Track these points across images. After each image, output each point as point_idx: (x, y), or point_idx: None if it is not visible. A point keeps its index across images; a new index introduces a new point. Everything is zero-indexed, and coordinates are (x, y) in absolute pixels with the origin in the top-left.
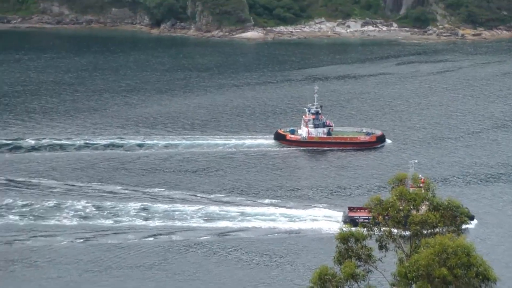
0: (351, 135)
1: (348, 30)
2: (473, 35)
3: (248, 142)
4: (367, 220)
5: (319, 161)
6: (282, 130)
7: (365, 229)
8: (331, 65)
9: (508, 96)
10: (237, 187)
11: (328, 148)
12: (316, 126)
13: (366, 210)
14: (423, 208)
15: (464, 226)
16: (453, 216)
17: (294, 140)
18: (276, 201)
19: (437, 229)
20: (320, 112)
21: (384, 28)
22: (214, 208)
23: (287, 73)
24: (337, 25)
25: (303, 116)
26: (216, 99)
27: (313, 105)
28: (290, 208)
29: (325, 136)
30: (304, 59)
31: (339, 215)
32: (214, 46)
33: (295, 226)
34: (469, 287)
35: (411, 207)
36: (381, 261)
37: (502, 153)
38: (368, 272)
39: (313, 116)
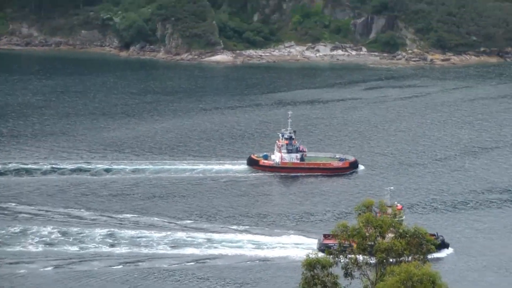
0: (324, 160)
1: (317, 54)
2: (442, 60)
3: (220, 167)
4: (343, 248)
5: (292, 187)
6: (255, 155)
7: (331, 256)
8: (300, 89)
9: (475, 122)
10: (207, 213)
11: (301, 174)
12: (289, 151)
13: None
14: (389, 235)
15: (438, 255)
16: (419, 244)
17: (267, 166)
18: (247, 227)
19: (403, 257)
20: (293, 137)
21: (354, 53)
22: (181, 235)
23: (256, 97)
24: (307, 49)
25: (276, 141)
26: (185, 123)
27: (286, 130)
28: (261, 235)
29: (298, 161)
30: (274, 83)
31: (312, 242)
32: (183, 69)
33: (266, 253)
34: None
35: (378, 234)
36: None
37: (471, 179)
38: None
39: (287, 141)
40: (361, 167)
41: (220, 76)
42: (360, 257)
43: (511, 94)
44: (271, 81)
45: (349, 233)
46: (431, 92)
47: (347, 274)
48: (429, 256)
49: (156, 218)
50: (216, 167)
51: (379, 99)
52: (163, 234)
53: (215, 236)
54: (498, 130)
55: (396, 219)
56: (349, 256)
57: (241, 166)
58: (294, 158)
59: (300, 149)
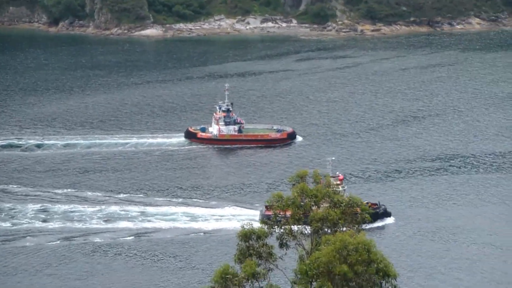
0: (262, 132)
1: (247, 27)
2: (372, 30)
3: (156, 140)
4: (284, 219)
5: (230, 159)
6: (193, 128)
7: (266, 226)
8: (232, 62)
9: (407, 91)
10: (142, 187)
11: (239, 146)
12: (227, 123)
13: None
14: (324, 205)
15: (381, 223)
16: (354, 213)
17: (205, 138)
18: (187, 200)
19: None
20: (231, 109)
21: (284, 25)
22: (115, 208)
23: (188, 70)
24: (237, 22)
25: (214, 114)
26: (116, 98)
27: (223, 102)
28: (199, 207)
29: (236, 133)
30: (205, 57)
31: (254, 213)
32: (113, 44)
33: (203, 226)
34: (370, 284)
35: (312, 204)
36: (282, 259)
37: (405, 148)
38: (269, 270)
39: (224, 114)
40: (298, 138)
41: (150, 50)
42: (295, 227)
43: (442, 63)
44: (202, 54)
45: (284, 203)
46: (362, 62)
47: (282, 245)
48: (371, 226)
49: (89, 193)
50: (152, 141)
51: (311, 70)
52: (97, 208)
53: (150, 209)
54: (429, 99)
55: (331, 188)
56: (284, 226)
57: (179, 139)
58: (232, 130)
59: (238, 121)
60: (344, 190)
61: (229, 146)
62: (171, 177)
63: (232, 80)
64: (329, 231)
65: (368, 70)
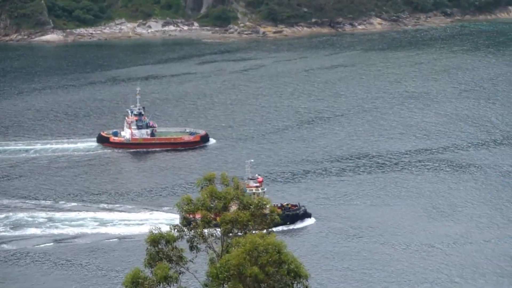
0: (175, 135)
1: (149, 31)
2: (274, 32)
3: (69, 146)
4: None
5: (144, 163)
6: (105, 132)
7: (175, 230)
8: (134, 66)
9: (311, 92)
10: (52, 193)
11: (152, 149)
12: (139, 127)
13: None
14: (234, 207)
15: (302, 224)
16: (263, 215)
17: (117, 142)
18: (99, 206)
19: (248, 228)
20: (143, 113)
21: (186, 28)
22: (22, 215)
23: (91, 75)
24: (138, 26)
25: (126, 118)
26: (18, 104)
27: (135, 106)
28: (116, 211)
29: (149, 137)
30: (107, 61)
31: (173, 217)
32: (13, 50)
33: (119, 231)
34: (281, 285)
35: (222, 206)
36: (192, 262)
37: (314, 148)
38: (180, 274)
39: (136, 118)
40: (212, 141)
41: (51, 55)
42: (205, 230)
43: (345, 64)
44: (104, 59)
45: (194, 206)
46: (266, 64)
47: (193, 248)
48: (295, 226)
49: None
50: (61, 146)
51: (215, 72)
52: (3, 215)
53: (59, 215)
54: (334, 99)
55: (240, 191)
56: (194, 229)
57: (90, 143)
58: (144, 134)
59: (150, 124)
60: (264, 192)
61: (142, 150)
62: (84, 182)
63: (136, 84)
64: (239, 233)
65: (271, 72)
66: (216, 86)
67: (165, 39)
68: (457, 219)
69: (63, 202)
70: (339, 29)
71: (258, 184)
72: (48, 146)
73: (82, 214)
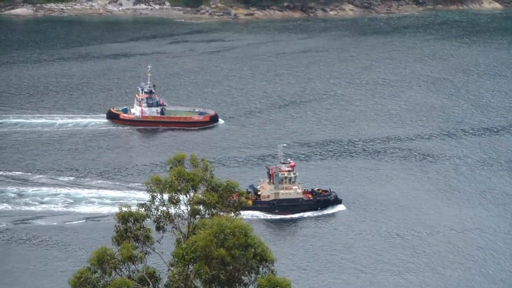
0: (184, 114)
1: (120, 8)
2: (246, 14)
3: (73, 121)
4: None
5: (153, 141)
6: (115, 109)
7: (143, 209)
8: (105, 43)
9: (283, 76)
10: (62, 168)
11: (162, 128)
12: (149, 105)
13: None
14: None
15: (332, 210)
16: (232, 198)
17: (127, 119)
18: (108, 183)
19: (216, 210)
20: (153, 91)
21: (157, 7)
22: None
23: (61, 51)
24: (109, 3)
25: (136, 95)
26: None
27: (146, 83)
28: (125, 190)
29: (159, 115)
30: (78, 37)
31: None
32: None
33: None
34: (247, 268)
35: (190, 188)
36: (159, 242)
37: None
38: (146, 253)
39: (147, 95)
40: (220, 121)
41: (20, 30)
42: (172, 210)
43: (316, 48)
44: (75, 35)
45: (162, 186)
46: (238, 46)
47: (159, 228)
48: (325, 212)
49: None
50: (73, 121)
51: (185, 52)
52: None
53: (72, 192)
54: (305, 83)
55: (208, 172)
56: (161, 209)
57: (101, 119)
58: (154, 112)
59: (160, 102)
60: (296, 176)
61: (151, 127)
62: (93, 158)
63: (106, 62)
64: (206, 215)
65: (243, 54)
66: (187, 67)
67: (136, 17)
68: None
69: (80, 178)
70: (311, 14)
71: (290, 169)
72: (64, 121)
73: (100, 192)
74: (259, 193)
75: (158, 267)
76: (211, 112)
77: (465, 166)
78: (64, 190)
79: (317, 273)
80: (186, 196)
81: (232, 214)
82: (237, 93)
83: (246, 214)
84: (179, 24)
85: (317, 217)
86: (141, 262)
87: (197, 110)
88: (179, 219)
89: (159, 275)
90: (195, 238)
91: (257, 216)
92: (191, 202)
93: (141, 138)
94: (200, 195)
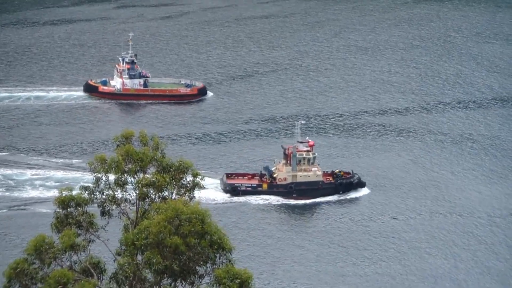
0: (169, 87)
1: None
2: None
3: (46, 94)
4: (249, 188)
5: (136, 116)
6: (93, 81)
7: (86, 192)
8: (42, 8)
9: (244, 43)
10: (33, 146)
11: (145, 102)
12: (131, 76)
13: (246, 177)
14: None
15: (356, 194)
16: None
17: (107, 92)
18: (76, 161)
19: (167, 193)
20: (135, 61)
21: None
22: None
23: None
24: None
25: (116, 66)
26: None
27: (127, 53)
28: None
29: (142, 88)
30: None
31: (211, 182)
32: None
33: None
34: (202, 257)
35: (138, 168)
36: (104, 229)
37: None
38: (89, 242)
39: (128, 66)
40: (210, 94)
41: None
42: (119, 194)
43: (277, 14)
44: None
45: (107, 167)
46: (191, 11)
47: (104, 213)
48: (348, 196)
49: None
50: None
51: (135, 18)
52: None
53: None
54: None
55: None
56: (107, 192)
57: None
58: (137, 84)
59: (143, 74)
60: (315, 157)
61: (134, 101)
62: (70, 135)
63: (44, 28)
64: (156, 198)
65: (198, 19)
66: (137, 34)
67: None
68: None
69: (54, 157)
70: None
71: (308, 148)
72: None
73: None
74: (274, 175)
75: (103, 256)
76: (199, 84)
77: (494, 146)
78: (32, 172)
79: (344, 263)
80: (134, 178)
81: (186, 197)
82: (211, 63)
83: (260, 198)
84: None
85: (339, 202)
86: (84, 251)
87: (183, 82)
88: (127, 203)
89: (104, 266)
90: (148, 223)
91: (272, 201)
92: (140, 185)
93: (121, 113)
94: (149, 177)
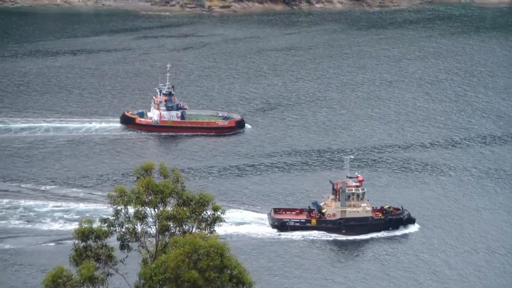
0: (207, 119)
1: None
2: (222, 7)
3: (82, 125)
4: (298, 224)
5: (173, 149)
6: (130, 112)
7: (106, 224)
8: (61, 38)
9: (266, 75)
10: (70, 177)
11: (183, 134)
12: (169, 108)
13: (294, 212)
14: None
15: (405, 230)
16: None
17: (144, 124)
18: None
19: (187, 227)
20: (173, 92)
21: None
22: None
23: (11, 46)
24: None
25: (153, 97)
26: None
27: (164, 84)
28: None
29: (179, 120)
30: (31, 31)
31: (259, 217)
32: None
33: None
34: None
35: (159, 201)
36: (123, 262)
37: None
38: (108, 275)
39: (165, 98)
40: (248, 126)
41: None
42: (139, 227)
43: (299, 45)
44: (28, 28)
45: (127, 199)
46: (212, 42)
47: (124, 246)
48: (397, 232)
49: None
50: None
51: (154, 49)
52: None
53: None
54: (293, 84)
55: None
56: (126, 225)
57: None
58: (174, 116)
59: (181, 106)
60: (364, 192)
61: (171, 133)
62: (106, 167)
63: (59, 58)
64: (177, 232)
65: (218, 50)
66: (158, 65)
67: (98, 9)
68: None
69: (90, 189)
70: (295, 7)
71: (358, 184)
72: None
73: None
74: (323, 211)
75: None
76: (237, 117)
77: None
78: (73, 205)
79: None
80: (155, 210)
81: (207, 232)
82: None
83: (309, 234)
84: (146, 17)
85: (389, 238)
86: (103, 285)
87: (220, 115)
88: (146, 236)
89: None
90: (165, 258)
91: (321, 237)
92: (160, 217)
93: (159, 145)
94: (170, 210)
